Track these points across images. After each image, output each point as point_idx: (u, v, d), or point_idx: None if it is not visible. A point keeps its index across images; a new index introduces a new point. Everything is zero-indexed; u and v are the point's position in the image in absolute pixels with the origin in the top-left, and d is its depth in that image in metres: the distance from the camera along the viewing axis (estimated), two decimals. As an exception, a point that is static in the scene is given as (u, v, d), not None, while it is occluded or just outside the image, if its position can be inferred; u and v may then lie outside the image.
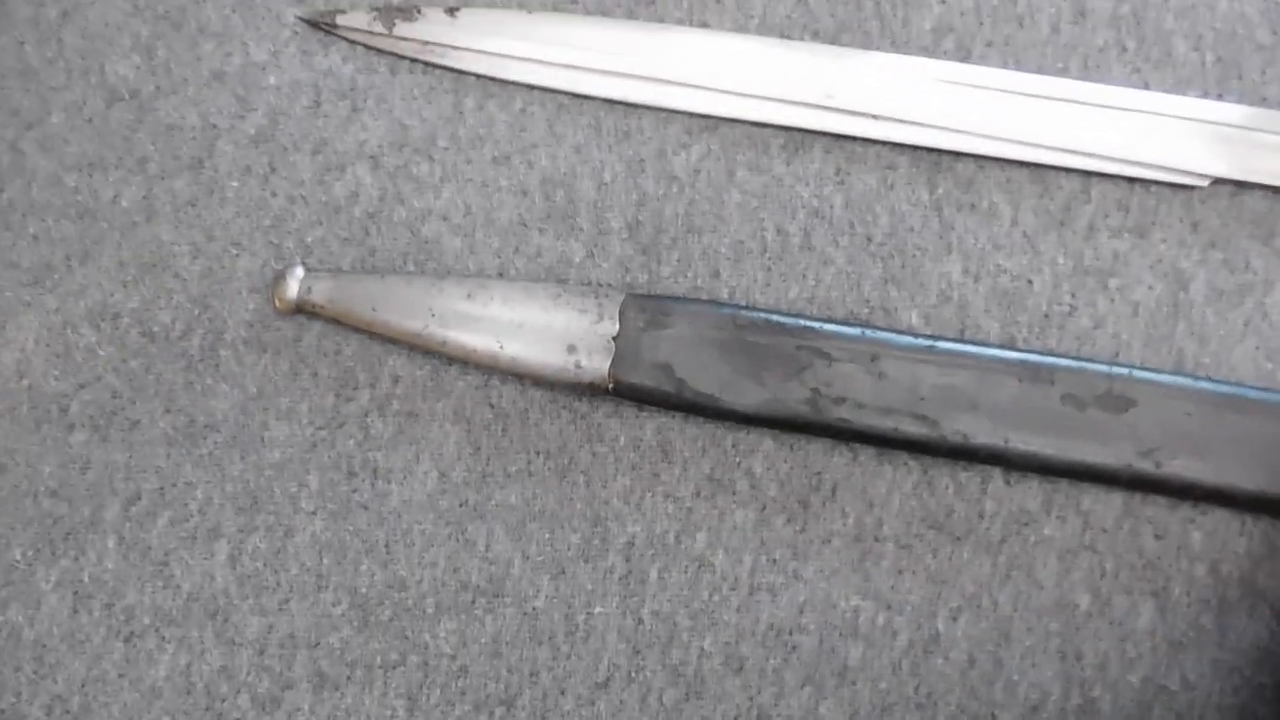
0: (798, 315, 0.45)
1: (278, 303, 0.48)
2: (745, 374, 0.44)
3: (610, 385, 0.45)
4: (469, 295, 0.46)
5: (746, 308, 0.46)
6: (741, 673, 0.46)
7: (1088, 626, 0.45)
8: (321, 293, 0.47)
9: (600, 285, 0.48)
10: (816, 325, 0.45)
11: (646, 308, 0.45)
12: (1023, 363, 0.44)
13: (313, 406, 0.49)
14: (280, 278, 0.48)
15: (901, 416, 0.43)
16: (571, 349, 0.45)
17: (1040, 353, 0.45)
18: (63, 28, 0.53)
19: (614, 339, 0.45)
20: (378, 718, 0.46)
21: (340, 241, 0.50)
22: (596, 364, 0.45)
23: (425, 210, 0.50)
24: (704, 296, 0.48)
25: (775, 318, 0.45)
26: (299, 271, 0.48)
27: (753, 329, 0.44)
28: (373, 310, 0.47)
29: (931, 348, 0.44)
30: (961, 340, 0.46)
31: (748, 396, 0.44)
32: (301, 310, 0.48)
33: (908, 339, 0.44)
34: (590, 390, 0.45)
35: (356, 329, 0.48)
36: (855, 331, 0.44)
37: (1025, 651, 0.45)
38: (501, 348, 0.45)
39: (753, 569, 0.46)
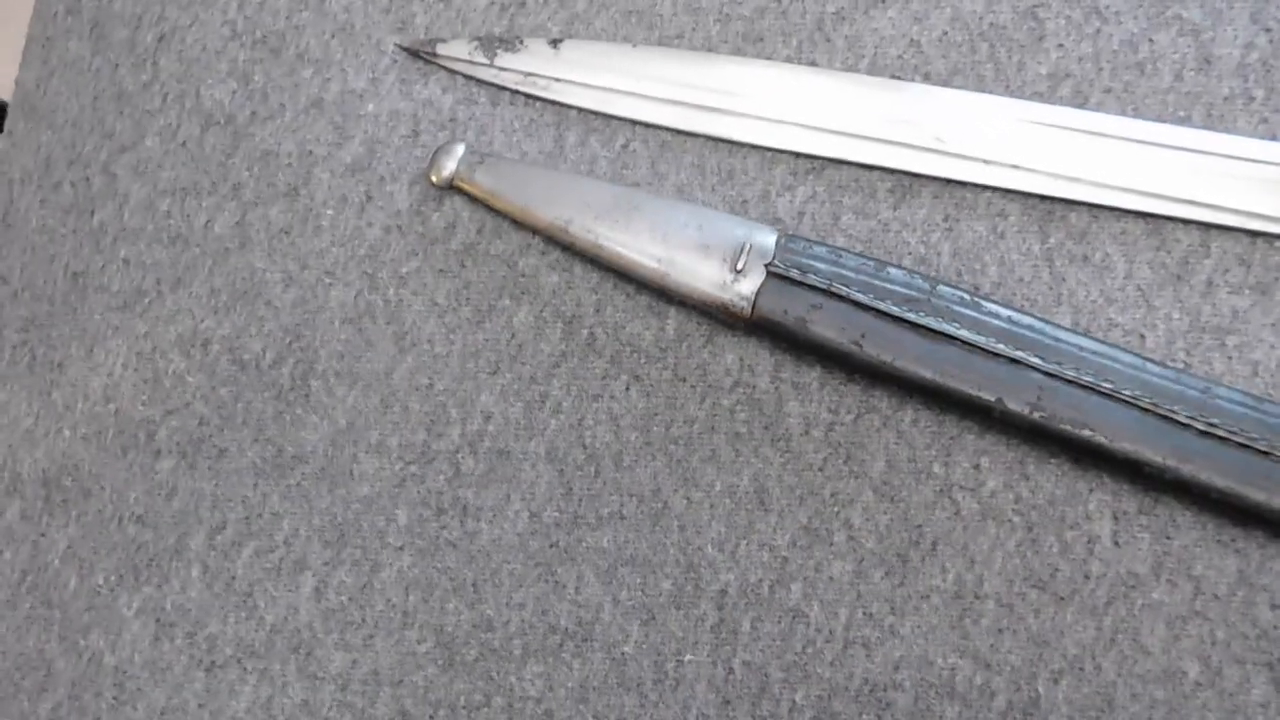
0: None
1: (434, 178, 0.48)
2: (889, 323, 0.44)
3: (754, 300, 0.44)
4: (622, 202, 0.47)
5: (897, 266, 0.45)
6: (835, 730, 0.44)
7: (1196, 696, 0.43)
8: (479, 173, 0.48)
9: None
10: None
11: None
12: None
13: (403, 441, 0.48)
14: (442, 150, 0.48)
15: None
16: (726, 260, 0.45)
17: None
18: (159, 52, 0.53)
19: (768, 263, 0.45)
20: (462, 762, 0.46)
21: (436, 273, 0.49)
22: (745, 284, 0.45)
23: (524, 244, 0.49)
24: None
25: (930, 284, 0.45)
26: (459, 148, 0.48)
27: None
28: (525, 200, 0.47)
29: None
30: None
31: (887, 349, 0.43)
32: (455, 187, 0.48)
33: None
34: (729, 315, 0.45)
35: (507, 214, 0.48)
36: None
37: (1129, 719, 0.44)
38: (655, 254, 0.46)
39: (848, 623, 0.45)
